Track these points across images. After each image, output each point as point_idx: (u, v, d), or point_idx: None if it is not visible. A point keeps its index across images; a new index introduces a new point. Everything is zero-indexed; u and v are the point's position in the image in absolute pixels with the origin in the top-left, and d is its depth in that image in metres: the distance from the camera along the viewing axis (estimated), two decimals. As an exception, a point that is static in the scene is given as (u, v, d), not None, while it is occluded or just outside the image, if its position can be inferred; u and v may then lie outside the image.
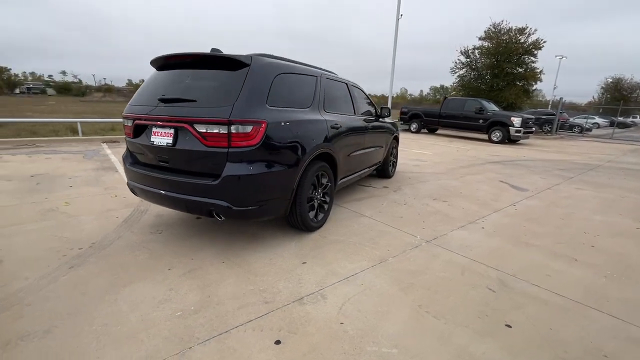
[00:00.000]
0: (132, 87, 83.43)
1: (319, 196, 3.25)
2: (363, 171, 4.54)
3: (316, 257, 2.71)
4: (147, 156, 2.76)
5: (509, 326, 1.93)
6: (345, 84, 4.10)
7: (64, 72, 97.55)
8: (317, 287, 2.26)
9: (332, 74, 3.89)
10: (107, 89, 79.15)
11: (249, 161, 2.40)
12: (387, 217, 3.73)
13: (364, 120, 4.37)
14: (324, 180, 3.30)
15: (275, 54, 3.08)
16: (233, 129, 2.30)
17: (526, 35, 18.93)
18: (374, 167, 5.05)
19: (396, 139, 5.88)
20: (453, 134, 15.89)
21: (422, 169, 6.88)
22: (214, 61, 2.58)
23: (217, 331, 1.78)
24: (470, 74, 20.67)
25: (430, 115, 15.54)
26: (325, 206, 3.40)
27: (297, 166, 2.74)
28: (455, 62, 20.80)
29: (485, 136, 13.66)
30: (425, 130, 16.76)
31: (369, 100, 4.91)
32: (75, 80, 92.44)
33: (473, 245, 3.07)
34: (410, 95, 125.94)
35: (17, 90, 74.23)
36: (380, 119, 5.05)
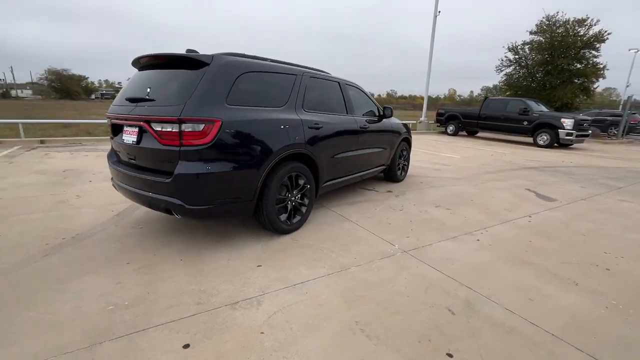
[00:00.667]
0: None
1: (294, 198, 3.15)
2: (360, 174, 4.34)
3: (275, 260, 2.62)
4: (122, 154, 2.90)
5: (450, 355, 1.66)
6: (338, 83, 3.95)
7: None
8: (259, 292, 2.17)
9: (320, 73, 3.78)
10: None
11: (201, 160, 2.39)
12: (373, 223, 3.51)
13: (363, 120, 4.18)
14: (301, 182, 3.20)
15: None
16: (184, 127, 2.31)
17: (587, 27, 16.89)
18: (376, 170, 4.80)
19: (407, 141, 5.56)
20: (494, 137, 14.70)
21: (442, 173, 6.41)
22: (180, 61, 2.62)
23: (135, 329, 1.78)
24: (519, 72, 18.94)
25: (469, 117, 14.54)
26: (303, 209, 3.29)
27: (260, 166, 2.68)
28: (502, 60, 19.23)
29: (531, 139, 12.44)
30: (465, 133, 15.75)
31: (370, 101, 4.69)
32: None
33: (456, 258, 2.75)
34: (460, 96, 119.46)
35: (93, 96, 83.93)
36: (386, 120, 4.81)
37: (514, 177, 6.24)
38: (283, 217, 3.05)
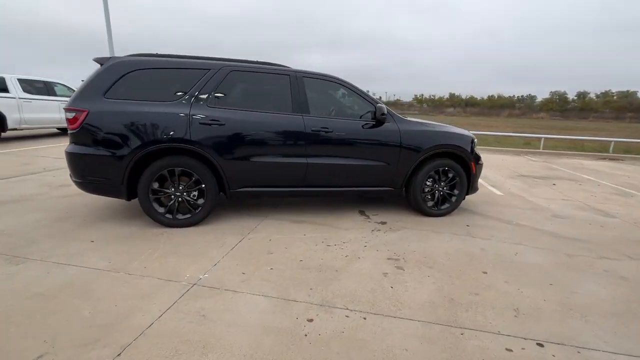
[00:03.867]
0: (413, 101, 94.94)
1: (179, 193, 3.09)
2: (324, 189, 3.47)
3: (111, 243, 2.76)
4: None
5: None
6: (288, 76, 3.31)
7: (367, 91, 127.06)
8: (39, 258, 2.45)
9: (258, 66, 3.31)
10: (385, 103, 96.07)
11: (74, 142, 2.93)
12: (250, 249, 2.78)
13: (321, 122, 3.31)
14: (193, 178, 3.08)
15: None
16: (67, 114, 2.92)
17: None
18: (365, 190, 3.62)
19: (460, 161, 3.73)
20: None
21: (550, 224, 3.79)
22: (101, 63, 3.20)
23: (-33, 247, 2.60)
24: None
25: None
26: (197, 210, 3.15)
27: (123, 154, 2.87)
28: None
29: None
30: None
31: (367, 102, 3.55)
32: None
33: (236, 324, 1.83)
34: None
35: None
36: (389, 125, 3.52)
37: None
38: (161, 209, 3.09)
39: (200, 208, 3.16)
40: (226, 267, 2.45)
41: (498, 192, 5.18)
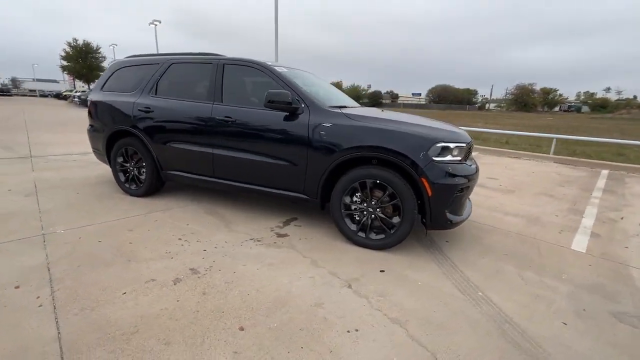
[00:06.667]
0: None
1: (131, 168, 3.74)
2: (233, 184, 3.23)
3: (82, 196, 3.74)
4: None
5: None
6: (211, 63, 3.23)
7: (607, 89, 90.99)
8: (32, 195, 3.69)
9: (195, 57, 3.40)
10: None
11: (89, 123, 4.11)
12: (129, 225, 3.01)
13: (227, 111, 3.09)
14: (136, 157, 3.67)
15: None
16: (89, 103, 4.15)
17: None
18: (272, 192, 3.05)
19: (399, 170, 2.55)
20: None
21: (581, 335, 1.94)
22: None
23: None
24: None
25: None
26: (141, 184, 3.72)
27: (102, 132, 3.79)
28: None
29: None
30: None
31: (280, 87, 2.94)
32: (620, 97, 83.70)
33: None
34: None
35: (557, 108, 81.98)
36: (303, 117, 2.82)
37: None
38: (123, 179, 3.84)
39: (143, 183, 3.70)
40: (83, 230, 2.83)
41: (581, 248, 2.95)
